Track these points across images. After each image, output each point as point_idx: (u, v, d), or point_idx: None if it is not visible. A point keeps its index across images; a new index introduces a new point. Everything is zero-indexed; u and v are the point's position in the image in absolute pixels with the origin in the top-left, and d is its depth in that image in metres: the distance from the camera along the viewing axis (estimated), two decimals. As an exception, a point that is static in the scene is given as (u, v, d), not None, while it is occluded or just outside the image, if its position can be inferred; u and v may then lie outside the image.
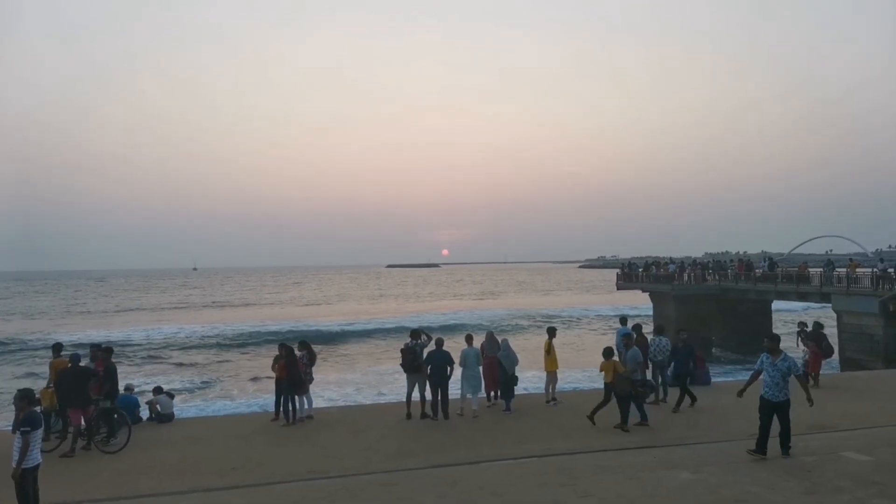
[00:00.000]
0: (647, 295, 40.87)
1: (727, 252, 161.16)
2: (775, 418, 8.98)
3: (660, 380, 13.98)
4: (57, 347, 12.48)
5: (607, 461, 9.22)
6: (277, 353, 12.95)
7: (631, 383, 11.36)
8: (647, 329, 16.14)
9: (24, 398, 7.84)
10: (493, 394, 13.84)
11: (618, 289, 47.53)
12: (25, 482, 7.02)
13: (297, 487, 8.61)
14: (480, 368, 12.97)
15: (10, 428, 8.14)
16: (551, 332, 14.13)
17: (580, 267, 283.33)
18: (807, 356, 15.70)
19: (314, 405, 13.45)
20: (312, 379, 13.22)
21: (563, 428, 11.64)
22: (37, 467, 7.24)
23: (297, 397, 12.67)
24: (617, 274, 46.91)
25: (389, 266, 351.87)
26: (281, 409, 12.69)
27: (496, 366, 13.31)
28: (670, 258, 51.09)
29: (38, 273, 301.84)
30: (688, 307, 35.03)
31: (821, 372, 15.74)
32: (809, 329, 17.00)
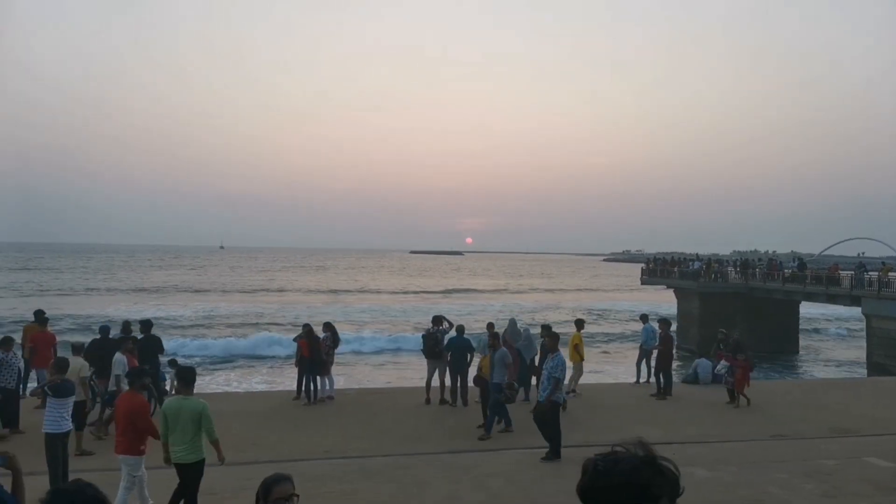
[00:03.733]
0: (671, 291, 40.47)
1: (756, 251, 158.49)
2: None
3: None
4: (39, 314, 12.67)
5: (624, 455, 9.22)
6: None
7: (499, 388, 10.72)
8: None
9: (55, 367, 8.10)
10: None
11: (642, 284, 47.12)
12: (55, 447, 7.27)
13: (314, 466, 8.76)
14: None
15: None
16: (579, 324, 14.14)
17: (604, 260, 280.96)
18: (724, 370, 13.41)
19: (336, 386, 13.61)
20: (334, 361, 13.38)
21: (580, 420, 11.65)
22: (67, 433, 7.49)
23: (318, 377, 12.85)
24: (641, 269, 46.44)
25: (413, 252, 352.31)
26: (302, 388, 12.88)
27: (516, 356, 13.30)
28: (697, 255, 50.32)
29: (63, 245, 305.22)
30: (713, 305, 34.62)
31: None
32: (731, 339, 14.33)
